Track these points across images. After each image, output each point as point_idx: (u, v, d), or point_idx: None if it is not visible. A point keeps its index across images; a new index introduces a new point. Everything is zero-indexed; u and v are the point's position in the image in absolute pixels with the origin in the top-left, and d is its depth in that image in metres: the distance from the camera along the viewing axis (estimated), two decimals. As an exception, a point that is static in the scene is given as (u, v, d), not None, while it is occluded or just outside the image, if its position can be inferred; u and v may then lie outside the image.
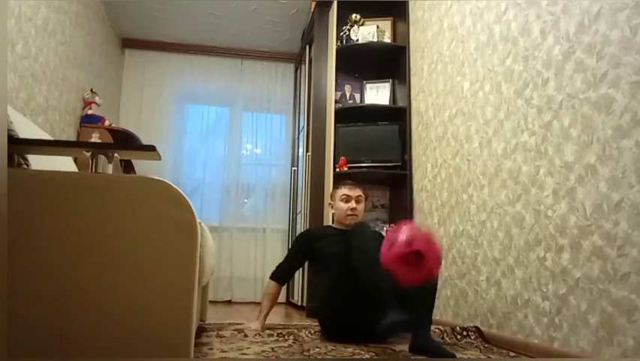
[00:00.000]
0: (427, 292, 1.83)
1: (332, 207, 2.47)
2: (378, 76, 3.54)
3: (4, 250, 1.13)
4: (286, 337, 2.06)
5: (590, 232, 1.60)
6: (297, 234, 3.92)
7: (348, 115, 3.36)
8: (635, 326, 1.39)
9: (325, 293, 2.17)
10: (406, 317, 1.69)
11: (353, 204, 2.34)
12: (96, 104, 3.72)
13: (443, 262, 2.64)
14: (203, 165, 4.76)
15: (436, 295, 1.94)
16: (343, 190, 2.38)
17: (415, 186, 3.15)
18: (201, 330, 2.16)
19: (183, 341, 1.21)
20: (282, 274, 2.41)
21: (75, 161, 2.67)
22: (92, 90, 3.75)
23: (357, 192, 2.37)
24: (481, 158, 2.32)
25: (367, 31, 3.51)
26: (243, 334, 2.11)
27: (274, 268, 2.43)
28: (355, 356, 1.69)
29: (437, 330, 2.21)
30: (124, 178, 1.32)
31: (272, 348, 1.77)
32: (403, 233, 1.65)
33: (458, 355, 1.74)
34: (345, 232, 2.26)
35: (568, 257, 1.69)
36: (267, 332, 2.16)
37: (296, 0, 4.04)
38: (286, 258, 2.47)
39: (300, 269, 2.96)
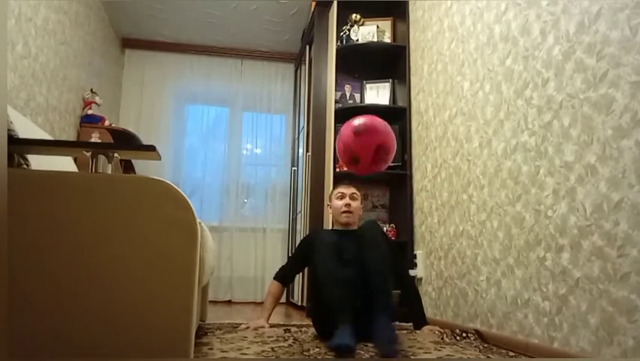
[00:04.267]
0: (379, 274, 1.95)
1: (330, 207, 2.51)
2: (378, 76, 3.54)
3: (4, 250, 1.13)
4: (286, 337, 2.06)
5: (590, 232, 1.60)
6: (298, 234, 3.95)
7: (348, 115, 3.31)
8: (635, 326, 1.39)
9: (318, 294, 2.17)
10: (352, 342, 1.69)
11: (347, 200, 2.38)
12: (96, 104, 3.72)
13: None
14: (203, 165, 4.76)
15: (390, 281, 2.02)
16: (338, 189, 2.45)
17: (415, 186, 3.15)
18: (201, 330, 2.17)
19: (183, 341, 1.21)
20: (285, 276, 2.45)
21: (75, 161, 2.67)
22: (92, 90, 3.75)
23: (351, 189, 2.44)
24: (481, 158, 2.32)
25: (367, 31, 3.51)
26: (242, 334, 2.10)
27: (278, 269, 2.47)
28: (355, 356, 1.69)
29: (437, 331, 2.21)
30: (124, 178, 1.32)
31: (272, 348, 1.77)
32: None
33: (457, 355, 1.74)
34: (342, 233, 2.27)
35: (568, 257, 1.69)
36: (267, 333, 2.16)
37: (296, 0, 4.04)
38: (289, 260, 2.54)
39: (300, 270, 2.98)
